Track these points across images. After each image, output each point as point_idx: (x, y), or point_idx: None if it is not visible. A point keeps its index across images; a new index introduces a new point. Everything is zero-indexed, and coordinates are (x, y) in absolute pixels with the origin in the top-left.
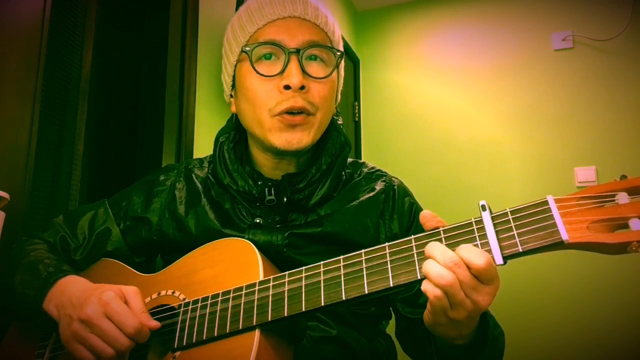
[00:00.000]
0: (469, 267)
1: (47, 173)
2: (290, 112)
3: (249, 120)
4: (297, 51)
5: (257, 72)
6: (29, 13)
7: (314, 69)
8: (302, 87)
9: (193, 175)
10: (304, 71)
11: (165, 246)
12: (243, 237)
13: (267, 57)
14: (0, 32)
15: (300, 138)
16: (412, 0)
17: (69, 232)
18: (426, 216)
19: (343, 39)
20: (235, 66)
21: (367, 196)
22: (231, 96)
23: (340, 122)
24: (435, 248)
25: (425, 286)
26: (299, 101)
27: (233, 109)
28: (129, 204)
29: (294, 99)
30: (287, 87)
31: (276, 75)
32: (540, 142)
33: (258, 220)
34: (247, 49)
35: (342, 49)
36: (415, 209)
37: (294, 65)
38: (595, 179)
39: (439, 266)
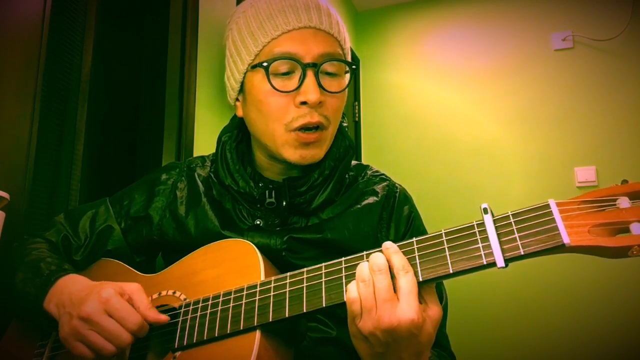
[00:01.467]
0: (395, 280)
1: (47, 173)
2: (306, 128)
3: (260, 131)
4: (314, 65)
5: (274, 87)
6: (29, 13)
7: (329, 83)
8: (319, 103)
9: (195, 174)
10: (320, 86)
11: (165, 246)
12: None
13: (282, 70)
14: (0, 32)
15: (314, 154)
16: (412, 0)
17: (70, 231)
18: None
19: None
20: (245, 74)
21: (368, 201)
22: (237, 99)
23: (345, 124)
24: (375, 254)
25: (349, 285)
26: (316, 117)
27: (239, 113)
28: (131, 202)
29: (311, 115)
30: (303, 103)
31: (292, 90)
32: (540, 142)
33: (258, 222)
34: (265, 64)
35: (349, 54)
36: (413, 217)
37: (311, 81)
38: (595, 179)
39: (366, 267)
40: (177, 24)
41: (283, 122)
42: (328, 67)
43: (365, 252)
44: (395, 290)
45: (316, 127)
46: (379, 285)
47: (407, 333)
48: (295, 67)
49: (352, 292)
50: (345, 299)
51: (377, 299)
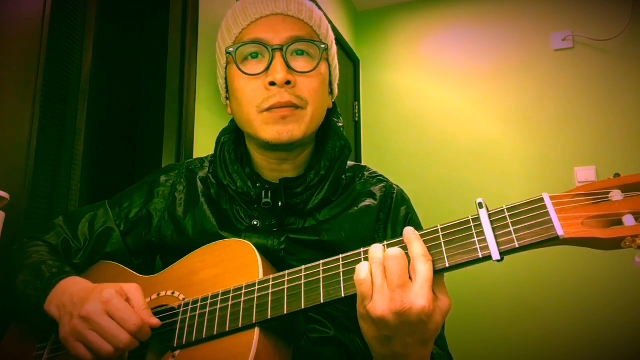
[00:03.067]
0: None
1: (47, 173)
2: (276, 107)
3: (240, 120)
4: (281, 48)
5: (242, 71)
6: (29, 13)
7: (300, 63)
8: (288, 82)
9: (194, 175)
10: (289, 67)
11: (163, 248)
12: None
13: (254, 56)
14: (0, 32)
15: (291, 130)
16: (412, 0)
17: (70, 234)
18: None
19: (343, 39)
20: (226, 69)
21: (365, 203)
22: (227, 99)
23: (340, 124)
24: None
25: (359, 266)
26: (285, 96)
27: (229, 111)
28: (131, 205)
29: (280, 95)
30: (272, 84)
31: (261, 73)
32: (540, 142)
33: (255, 223)
34: (231, 50)
35: (331, 40)
36: (410, 218)
37: (278, 62)
38: (595, 179)
39: (379, 249)
40: (177, 24)
41: (255, 104)
42: (299, 46)
43: (362, 249)
44: (410, 276)
45: (287, 106)
46: (394, 269)
47: (417, 319)
48: (263, 51)
49: (362, 272)
50: (354, 280)
51: (390, 283)
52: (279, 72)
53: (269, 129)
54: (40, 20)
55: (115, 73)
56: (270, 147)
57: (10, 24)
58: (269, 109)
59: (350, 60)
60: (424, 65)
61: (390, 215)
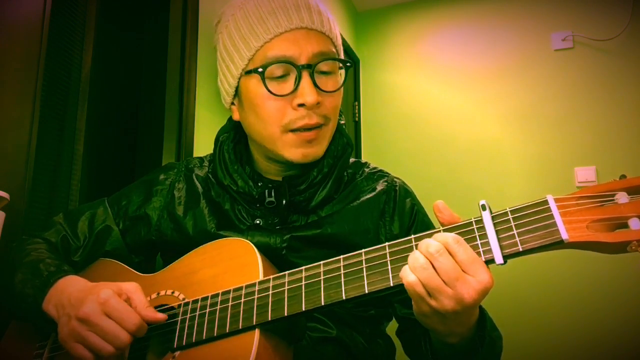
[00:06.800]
0: (453, 256)
1: (47, 173)
2: (305, 129)
3: (258, 135)
4: (309, 66)
5: (271, 92)
6: (29, 13)
7: (325, 82)
8: (317, 104)
9: (193, 175)
10: (316, 86)
11: (163, 247)
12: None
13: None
14: (0, 32)
15: (316, 151)
16: (412, 0)
17: (69, 232)
18: (439, 206)
19: (343, 38)
20: (239, 79)
21: (368, 197)
22: (232, 103)
23: (342, 121)
24: (423, 241)
25: (403, 273)
26: (314, 118)
27: (236, 116)
28: (129, 203)
29: (309, 117)
30: (301, 105)
31: (289, 94)
32: (540, 142)
33: (258, 222)
34: (260, 70)
35: (342, 50)
36: (416, 210)
37: (306, 83)
38: (595, 179)
39: (418, 252)
40: (177, 24)
41: (280, 124)
42: (323, 66)
43: (363, 250)
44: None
45: (315, 127)
46: (445, 265)
47: (485, 291)
48: (290, 69)
49: (408, 276)
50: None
51: (447, 280)
52: (309, 95)
53: (294, 150)
54: (40, 20)
55: (115, 73)
56: (289, 164)
57: (10, 24)
58: (296, 130)
59: (350, 60)
60: (424, 65)
61: (396, 207)
